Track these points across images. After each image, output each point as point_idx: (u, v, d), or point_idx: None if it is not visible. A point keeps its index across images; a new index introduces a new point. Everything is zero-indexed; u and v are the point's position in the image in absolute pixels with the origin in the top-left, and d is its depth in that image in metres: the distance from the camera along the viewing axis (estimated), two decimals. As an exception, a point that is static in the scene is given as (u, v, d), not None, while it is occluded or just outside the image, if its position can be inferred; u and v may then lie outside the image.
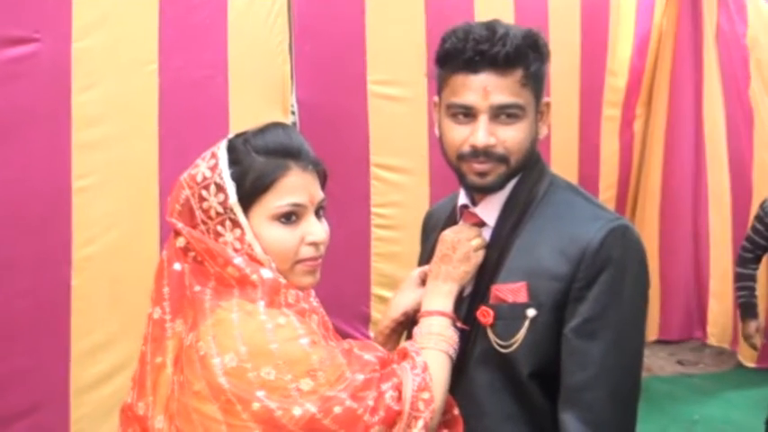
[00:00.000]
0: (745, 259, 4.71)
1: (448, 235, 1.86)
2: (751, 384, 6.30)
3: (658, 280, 6.60)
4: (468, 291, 1.84)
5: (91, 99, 3.48)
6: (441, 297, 1.79)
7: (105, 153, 3.53)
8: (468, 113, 1.74)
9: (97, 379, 3.57)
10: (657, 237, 6.69)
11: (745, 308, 4.74)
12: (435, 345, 1.70)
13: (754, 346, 4.94)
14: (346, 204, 4.36)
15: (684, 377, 6.88)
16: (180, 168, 1.68)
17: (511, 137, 1.74)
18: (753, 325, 4.72)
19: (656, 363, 7.05)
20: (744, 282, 4.73)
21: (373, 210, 4.64)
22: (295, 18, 4.23)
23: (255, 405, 1.42)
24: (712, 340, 6.74)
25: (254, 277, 1.53)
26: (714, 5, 6.36)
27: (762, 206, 4.60)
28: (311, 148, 1.65)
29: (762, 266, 4.81)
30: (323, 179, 1.69)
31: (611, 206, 5.58)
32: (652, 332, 6.68)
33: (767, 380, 4.73)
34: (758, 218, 4.61)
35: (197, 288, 1.56)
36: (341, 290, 4.32)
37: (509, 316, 1.74)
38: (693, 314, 6.83)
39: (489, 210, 1.85)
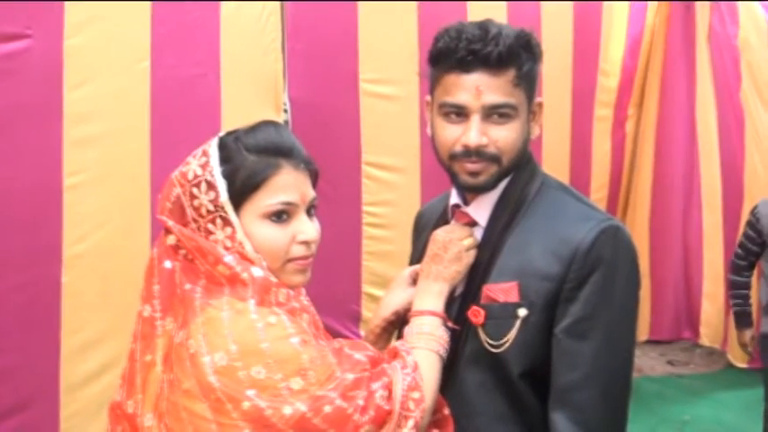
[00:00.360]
0: (739, 267, 4.66)
1: (439, 234, 1.86)
2: (741, 385, 6.32)
3: (649, 280, 6.61)
4: (459, 290, 1.84)
5: (83, 96, 3.47)
6: (432, 297, 1.79)
7: (97, 150, 3.52)
8: (461, 113, 1.74)
9: (87, 376, 3.56)
10: (648, 237, 6.71)
11: (740, 317, 4.73)
12: (426, 344, 1.70)
13: (749, 354, 4.94)
14: (338, 203, 4.36)
15: (675, 377, 6.90)
16: (172, 166, 1.67)
17: (503, 137, 1.74)
18: (748, 334, 4.71)
19: (647, 363, 7.06)
20: (738, 290, 4.69)
21: (365, 208, 4.64)
22: (287, 16, 4.23)
23: (245, 404, 1.42)
24: (705, 340, 6.77)
25: (245, 276, 1.53)
26: (707, 6, 6.37)
27: (752, 212, 4.55)
28: (303, 146, 1.65)
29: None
30: (314, 178, 1.69)
31: (602, 206, 5.58)
32: (643, 332, 6.71)
33: (757, 380, 4.73)
34: (750, 224, 4.56)
35: (187, 286, 1.55)
36: (332, 288, 4.32)
37: (500, 316, 1.74)
38: (684, 314, 6.85)
39: (481, 209, 1.85)
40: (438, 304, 1.78)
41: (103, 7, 3.50)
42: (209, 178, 1.57)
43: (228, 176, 1.57)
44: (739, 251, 4.66)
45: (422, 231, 2.09)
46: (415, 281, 1.89)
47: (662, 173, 6.62)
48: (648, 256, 6.67)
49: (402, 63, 4.60)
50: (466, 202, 1.89)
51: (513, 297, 1.73)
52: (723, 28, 6.36)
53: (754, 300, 4.77)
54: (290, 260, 1.61)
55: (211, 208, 1.57)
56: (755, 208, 4.55)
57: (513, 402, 1.76)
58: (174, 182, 1.62)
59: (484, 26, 1.72)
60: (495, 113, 1.72)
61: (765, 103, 6.29)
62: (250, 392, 1.42)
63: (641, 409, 5.61)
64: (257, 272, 1.55)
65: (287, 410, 1.42)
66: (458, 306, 1.82)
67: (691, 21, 6.43)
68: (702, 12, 6.38)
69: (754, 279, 4.74)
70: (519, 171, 1.84)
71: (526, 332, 1.72)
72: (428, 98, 1.86)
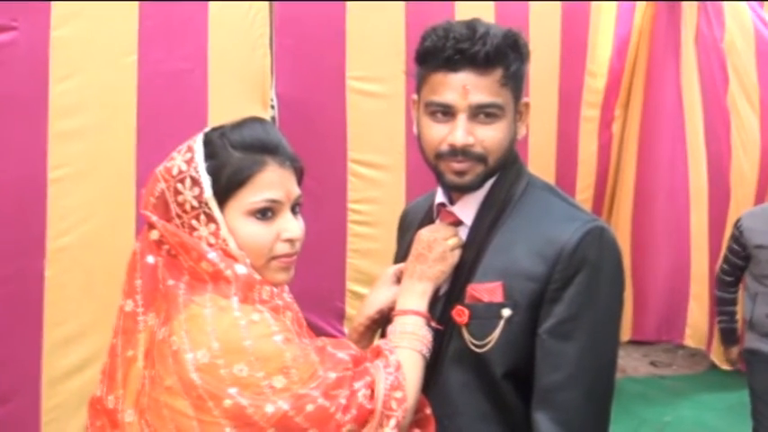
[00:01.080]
0: (726, 283, 4.59)
1: (424, 234, 1.85)
2: (723, 386, 6.34)
3: (631, 280, 6.61)
4: (443, 290, 1.84)
5: (69, 89, 3.45)
6: (415, 296, 1.79)
7: (82, 144, 3.50)
8: (447, 112, 1.73)
9: (70, 370, 3.54)
10: (630, 238, 6.70)
11: (726, 334, 4.68)
12: (409, 344, 1.70)
13: (737, 369, 4.92)
14: (323, 200, 4.35)
15: (657, 378, 6.92)
16: (157, 161, 1.67)
17: (489, 136, 1.74)
18: (734, 351, 4.66)
19: (630, 363, 7.09)
20: (725, 306, 4.63)
21: (350, 206, 4.62)
22: (276, 12, 4.22)
23: (227, 402, 1.42)
24: (690, 341, 6.74)
25: (228, 273, 1.53)
26: (694, 7, 6.36)
27: (736, 225, 4.48)
28: (289, 144, 1.65)
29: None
30: (300, 176, 1.68)
31: (587, 207, 5.59)
32: (625, 333, 6.70)
33: (740, 382, 4.74)
34: (734, 238, 4.47)
35: (170, 282, 1.55)
36: (316, 285, 4.31)
37: (484, 315, 1.74)
38: (667, 315, 6.85)
39: (466, 209, 1.85)
40: (421, 304, 1.78)
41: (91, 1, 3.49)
42: (193, 174, 1.57)
43: (213, 173, 1.56)
44: (724, 266, 4.58)
45: (407, 230, 2.09)
46: (399, 279, 1.89)
47: (645, 174, 6.59)
48: (630, 257, 6.65)
49: (389, 61, 4.59)
50: (451, 202, 1.89)
51: (498, 297, 1.73)
52: (710, 30, 6.34)
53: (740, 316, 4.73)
54: (273, 258, 1.61)
55: (195, 204, 1.56)
56: (739, 221, 4.49)
57: (495, 402, 1.76)
58: (158, 177, 1.62)
59: (471, 25, 1.71)
60: (481, 113, 1.72)
61: (753, 105, 6.30)
62: (232, 390, 1.42)
63: (623, 410, 5.62)
64: (241, 269, 1.55)
65: (269, 408, 1.42)
66: (442, 306, 1.82)
67: (676, 21, 6.41)
68: (690, 12, 6.35)
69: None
70: (505, 171, 1.84)
71: (510, 332, 1.72)
72: (415, 97, 1.86)
